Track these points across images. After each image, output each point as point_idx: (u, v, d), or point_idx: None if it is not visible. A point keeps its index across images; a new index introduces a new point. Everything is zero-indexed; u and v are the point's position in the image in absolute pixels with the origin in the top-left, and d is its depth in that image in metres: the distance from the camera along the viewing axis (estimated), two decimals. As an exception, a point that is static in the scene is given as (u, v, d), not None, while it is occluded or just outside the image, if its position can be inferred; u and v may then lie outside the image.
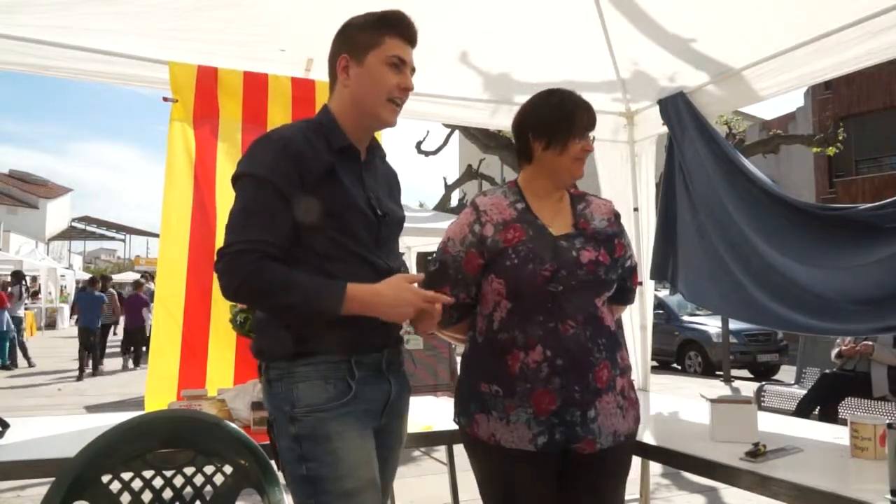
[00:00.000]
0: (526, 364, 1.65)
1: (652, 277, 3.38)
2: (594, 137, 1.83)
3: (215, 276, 1.46)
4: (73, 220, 45.51)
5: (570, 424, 1.64)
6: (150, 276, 15.24)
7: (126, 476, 1.65)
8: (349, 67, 1.57)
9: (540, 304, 1.67)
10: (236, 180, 1.51)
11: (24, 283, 13.54)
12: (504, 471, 1.70)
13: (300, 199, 1.46)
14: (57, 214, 44.99)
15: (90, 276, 14.92)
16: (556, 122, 1.75)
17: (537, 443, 1.64)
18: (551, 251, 1.71)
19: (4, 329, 11.44)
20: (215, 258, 1.45)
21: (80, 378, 10.27)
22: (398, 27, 1.57)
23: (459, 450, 2.31)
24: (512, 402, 1.66)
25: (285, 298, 1.42)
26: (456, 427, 1.82)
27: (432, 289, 1.63)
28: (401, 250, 1.83)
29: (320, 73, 1.63)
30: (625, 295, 1.92)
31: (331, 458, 1.44)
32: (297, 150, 1.47)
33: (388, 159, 1.81)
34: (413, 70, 1.62)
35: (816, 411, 5.30)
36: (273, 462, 1.63)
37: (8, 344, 11.49)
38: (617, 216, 1.90)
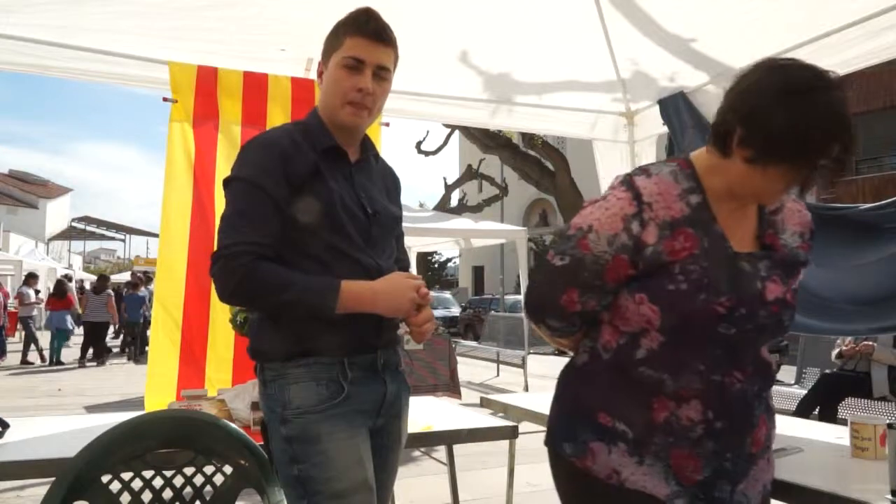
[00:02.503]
0: (676, 417, 1.25)
1: None
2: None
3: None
4: (73, 220, 45.53)
5: (718, 501, 1.28)
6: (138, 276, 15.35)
7: (126, 476, 1.65)
8: (323, 73, 1.59)
9: (704, 349, 1.24)
10: (226, 185, 1.52)
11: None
12: None
13: (289, 200, 1.46)
14: (57, 214, 45.07)
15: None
16: (784, 140, 1.17)
17: (673, 502, 1.26)
18: (728, 277, 1.23)
19: (69, 327, 12.06)
20: (210, 262, 1.45)
21: (132, 358, 12.34)
22: (356, 25, 1.52)
23: (459, 450, 2.30)
24: (644, 449, 1.27)
25: (281, 297, 1.42)
26: (456, 427, 1.74)
27: (554, 289, 1.34)
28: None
29: (320, 73, 1.65)
30: None
31: (321, 458, 1.44)
32: (282, 150, 1.48)
33: (386, 158, 1.80)
34: (381, 68, 1.54)
35: (816, 411, 5.30)
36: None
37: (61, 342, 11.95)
38: (813, 233, 1.38)
